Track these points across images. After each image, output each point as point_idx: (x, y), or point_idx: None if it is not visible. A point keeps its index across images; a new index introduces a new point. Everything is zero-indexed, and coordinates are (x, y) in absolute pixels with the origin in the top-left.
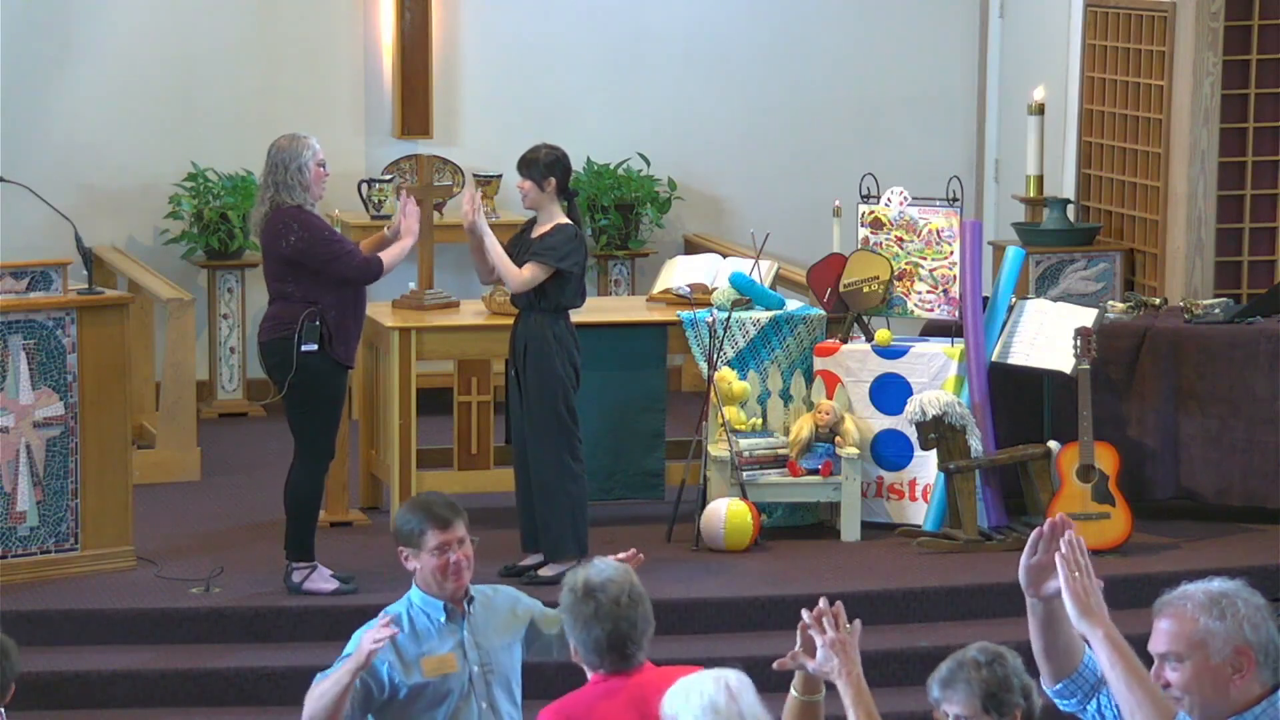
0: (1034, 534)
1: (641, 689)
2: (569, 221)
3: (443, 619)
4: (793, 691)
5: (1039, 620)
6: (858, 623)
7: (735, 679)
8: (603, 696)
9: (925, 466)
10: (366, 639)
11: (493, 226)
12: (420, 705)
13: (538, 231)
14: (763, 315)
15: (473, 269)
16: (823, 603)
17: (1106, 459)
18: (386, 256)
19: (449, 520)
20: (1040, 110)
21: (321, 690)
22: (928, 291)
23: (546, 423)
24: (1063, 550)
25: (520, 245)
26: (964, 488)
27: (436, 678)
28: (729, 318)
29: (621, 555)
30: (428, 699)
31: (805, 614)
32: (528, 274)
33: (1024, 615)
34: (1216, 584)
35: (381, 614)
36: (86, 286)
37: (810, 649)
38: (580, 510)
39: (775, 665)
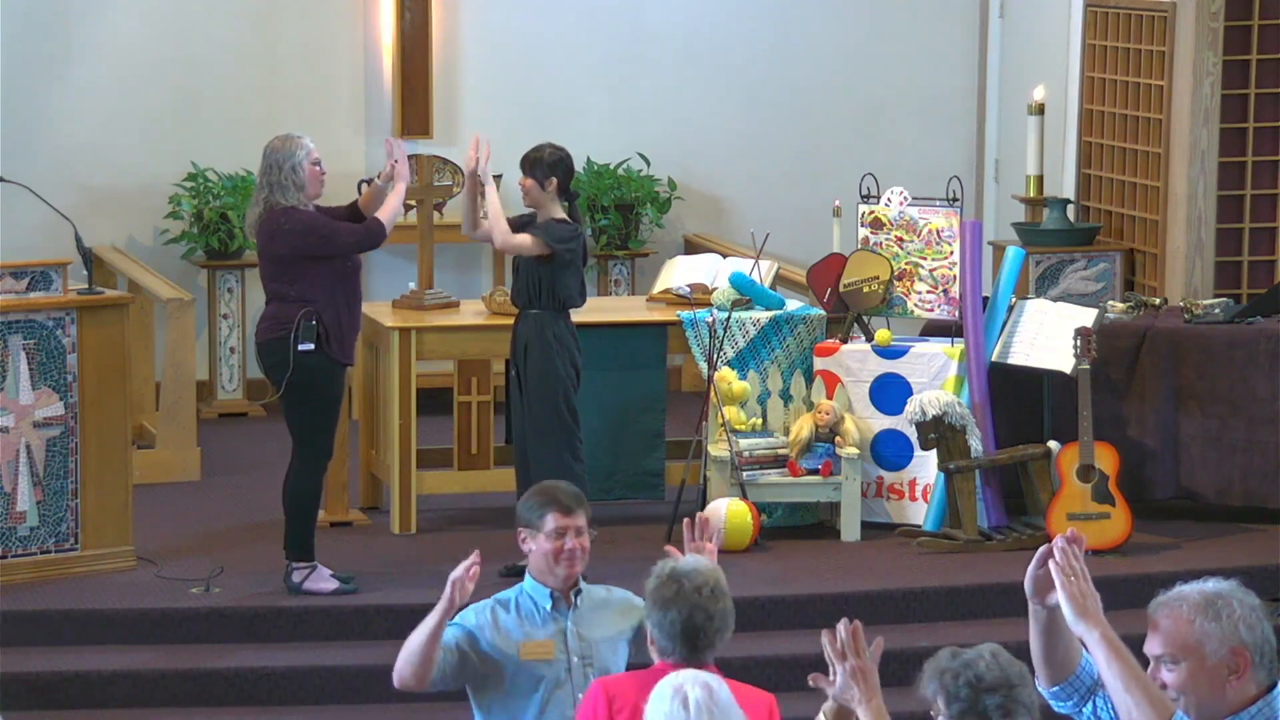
0: (1043, 549)
1: None
2: (568, 219)
3: (548, 606)
4: (821, 718)
5: (1040, 626)
6: (879, 642)
7: (702, 686)
8: (647, 681)
9: (925, 466)
10: (452, 579)
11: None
12: (515, 688)
13: None
14: (763, 315)
15: (472, 269)
16: (841, 627)
17: (1106, 459)
18: (384, 213)
19: (571, 508)
20: (1040, 110)
21: (412, 635)
22: (928, 291)
23: (547, 422)
24: (1057, 558)
25: None
26: (964, 488)
27: (531, 661)
28: (729, 318)
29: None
30: (522, 683)
31: (825, 639)
32: (520, 239)
33: (1024, 616)
34: (1211, 585)
35: (494, 598)
36: (86, 286)
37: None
38: None
39: (810, 681)
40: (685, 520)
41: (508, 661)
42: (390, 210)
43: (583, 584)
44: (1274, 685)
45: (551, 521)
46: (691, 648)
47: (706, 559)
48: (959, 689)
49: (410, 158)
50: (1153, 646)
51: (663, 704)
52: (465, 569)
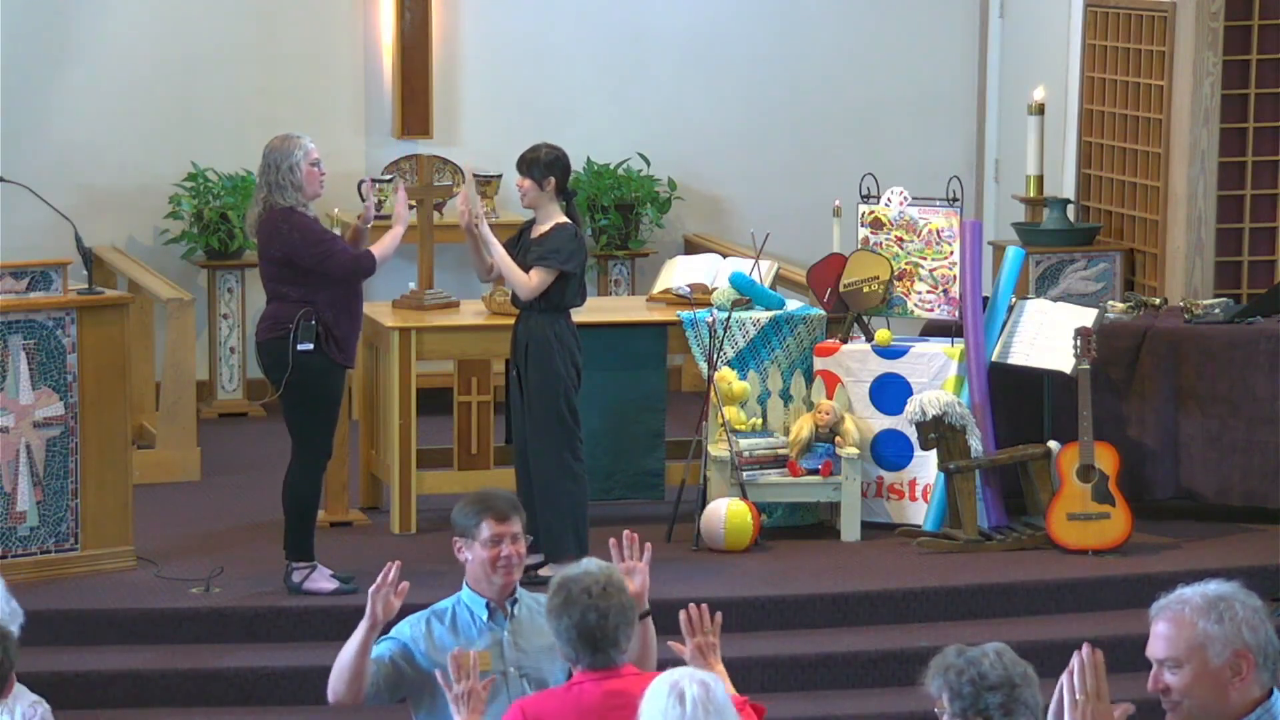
0: (1064, 681)
1: (610, 697)
2: (568, 221)
3: (485, 617)
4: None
5: None
6: (718, 617)
7: (699, 683)
8: (565, 698)
9: (925, 466)
10: (371, 593)
11: (492, 226)
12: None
13: (537, 232)
14: (763, 315)
15: (472, 269)
16: (691, 609)
17: (1106, 459)
18: (378, 249)
19: (506, 514)
20: (1040, 110)
21: (341, 651)
22: (928, 291)
23: (548, 422)
24: (1075, 679)
25: (520, 246)
26: (964, 488)
27: None
28: (729, 318)
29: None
30: None
31: (682, 616)
32: (535, 280)
33: (1023, 615)
34: (1213, 586)
35: (430, 609)
36: (86, 286)
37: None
38: (581, 510)
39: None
40: (612, 541)
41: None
42: (385, 247)
43: (520, 592)
44: (1272, 691)
45: (487, 529)
46: (592, 649)
47: (597, 562)
48: (962, 686)
49: (410, 157)
50: (1155, 650)
51: (659, 700)
52: (384, 581)
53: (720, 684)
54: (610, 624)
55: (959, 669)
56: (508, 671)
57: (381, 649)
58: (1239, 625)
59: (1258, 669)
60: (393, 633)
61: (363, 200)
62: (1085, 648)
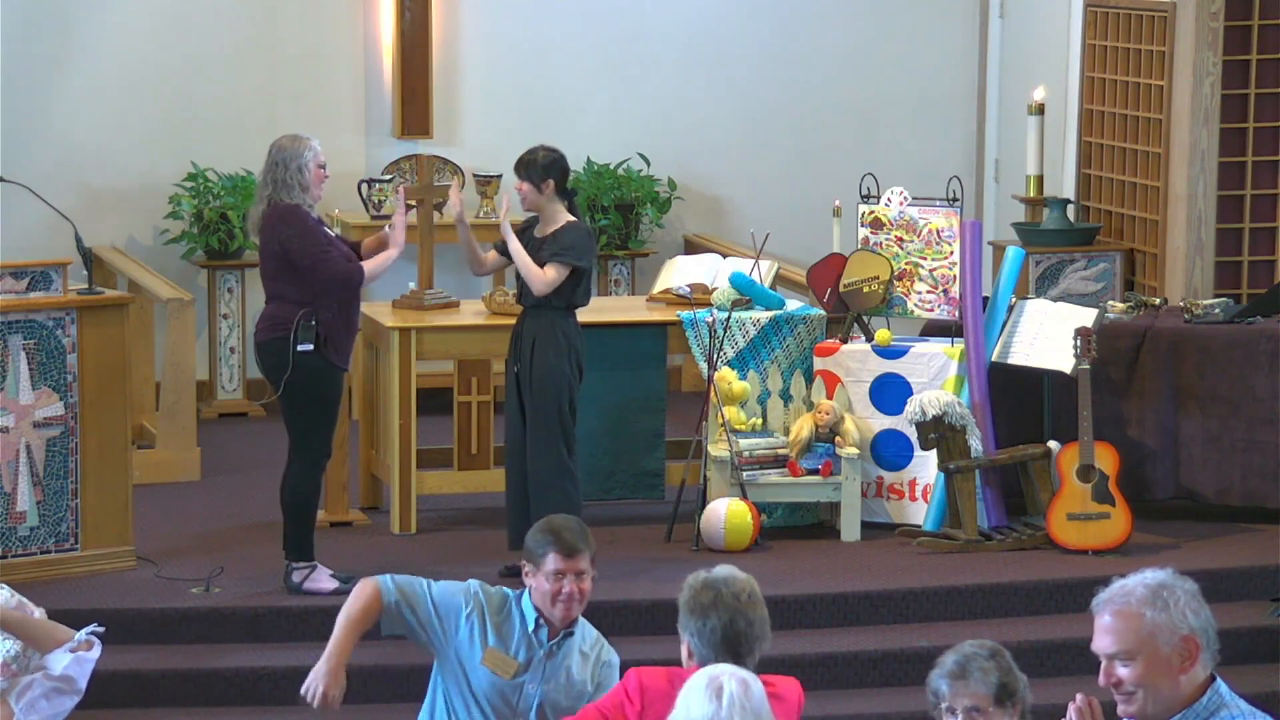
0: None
1: None
2: (576, 219)
3: (530, 628)
4: None
5: None
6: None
7: (738, 681)
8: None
9: (925, 466)
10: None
11: (491, 226)
12: (470, 685)
13: (547, 230)
14: (763, 315)
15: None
16: (1079, 698)
17: (1106, 459)
18: (369, 265)
19: (576, 550)
20: (1040, 110)
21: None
22: (928, 291)
23: (547, 418)
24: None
25: (526, 245)
26: (964, 488)
27: (486, 668)
28: (729, 318)
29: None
30: (479, 686)
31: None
32: (552, 275)
33: (1022, 615)
34: (1150, 575)
35: (501, 601)
36: (86, 286)
37: None
38: (575, 508)
39: None
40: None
41: (460, 647)
42: (375, 265)
43: (577, 630)
44: (1215, 675)
45: (552, 563)
46: (734, 655)
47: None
48: (1008, 678)
49: (410, 157)
50: (1104, 645)
51: (697, 694)
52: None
53: (759, 683)
54: (755, 633)
55: (999, 663)
56: (526, 688)
57: (436, 591)
58: (1182, 611)
59: (1203, 650)
60: (459, 591)
61: (364, 202)
62: (1080, 697)
